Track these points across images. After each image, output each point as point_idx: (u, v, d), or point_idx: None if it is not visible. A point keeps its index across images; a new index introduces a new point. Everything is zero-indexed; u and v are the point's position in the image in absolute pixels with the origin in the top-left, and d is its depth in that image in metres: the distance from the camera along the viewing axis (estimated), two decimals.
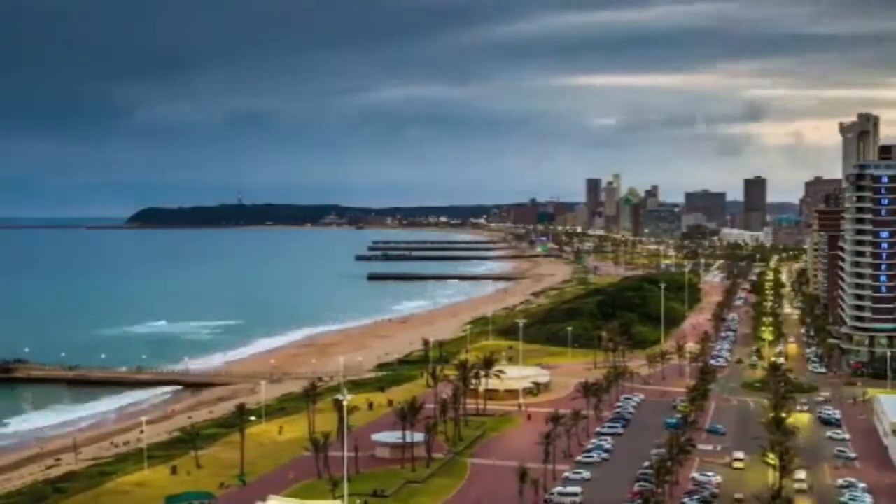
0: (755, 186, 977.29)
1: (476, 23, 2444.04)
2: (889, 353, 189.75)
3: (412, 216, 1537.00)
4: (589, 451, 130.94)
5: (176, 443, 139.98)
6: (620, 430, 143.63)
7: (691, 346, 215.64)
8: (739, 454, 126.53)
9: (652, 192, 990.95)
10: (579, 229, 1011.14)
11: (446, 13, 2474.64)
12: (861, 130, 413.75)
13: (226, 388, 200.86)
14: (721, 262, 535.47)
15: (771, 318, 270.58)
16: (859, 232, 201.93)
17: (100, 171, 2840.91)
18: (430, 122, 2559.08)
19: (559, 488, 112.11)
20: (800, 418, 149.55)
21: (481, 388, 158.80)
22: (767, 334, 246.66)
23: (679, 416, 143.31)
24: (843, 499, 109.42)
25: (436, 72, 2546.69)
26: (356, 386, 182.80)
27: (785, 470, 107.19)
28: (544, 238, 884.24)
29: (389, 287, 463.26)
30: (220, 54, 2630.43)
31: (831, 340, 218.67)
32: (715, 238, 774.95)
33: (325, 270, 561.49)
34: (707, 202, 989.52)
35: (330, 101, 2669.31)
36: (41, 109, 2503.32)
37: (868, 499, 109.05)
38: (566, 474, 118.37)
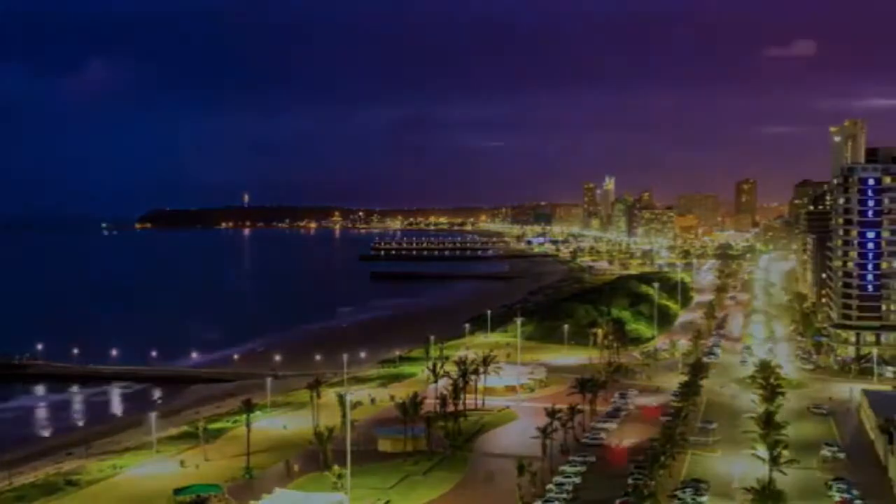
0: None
1: None
2: (875, 350, 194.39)
3: (413, 217, 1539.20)
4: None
5: (184, 437, 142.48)
6: (616, 425, 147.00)
7: (684, 343, 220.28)
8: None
9: (646, 193, 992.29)
10: (575, 230, 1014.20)
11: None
12: (849, 134, 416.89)
13: (233, 383, 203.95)
14: (713, 261, 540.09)
15: (761, 316, 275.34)
16: (846, 232, 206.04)
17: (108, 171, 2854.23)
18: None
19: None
20: None
21: (480, 384, 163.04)
22: (758, 331, 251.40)
23: (672, 410, 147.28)
24: (831, 493, 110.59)
25: None
26: (359, 381, 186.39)
27: (775, 463, 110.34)
28: (541, 239, 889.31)
29: (391, 286, 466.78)
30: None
31: (819, 338, 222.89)
32: (706, 238, 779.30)
33: (330, 269, 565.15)
34: (699, 203, 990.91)
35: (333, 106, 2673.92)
36: None
37: (856, 492, 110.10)
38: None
